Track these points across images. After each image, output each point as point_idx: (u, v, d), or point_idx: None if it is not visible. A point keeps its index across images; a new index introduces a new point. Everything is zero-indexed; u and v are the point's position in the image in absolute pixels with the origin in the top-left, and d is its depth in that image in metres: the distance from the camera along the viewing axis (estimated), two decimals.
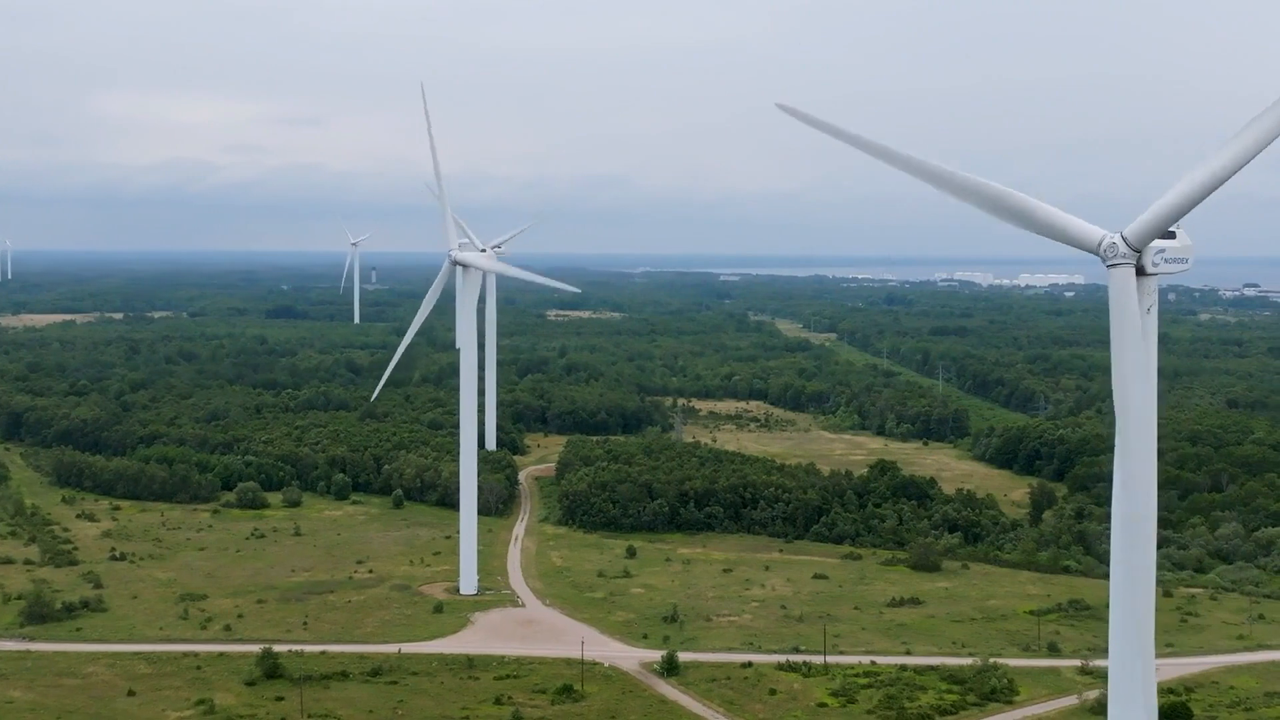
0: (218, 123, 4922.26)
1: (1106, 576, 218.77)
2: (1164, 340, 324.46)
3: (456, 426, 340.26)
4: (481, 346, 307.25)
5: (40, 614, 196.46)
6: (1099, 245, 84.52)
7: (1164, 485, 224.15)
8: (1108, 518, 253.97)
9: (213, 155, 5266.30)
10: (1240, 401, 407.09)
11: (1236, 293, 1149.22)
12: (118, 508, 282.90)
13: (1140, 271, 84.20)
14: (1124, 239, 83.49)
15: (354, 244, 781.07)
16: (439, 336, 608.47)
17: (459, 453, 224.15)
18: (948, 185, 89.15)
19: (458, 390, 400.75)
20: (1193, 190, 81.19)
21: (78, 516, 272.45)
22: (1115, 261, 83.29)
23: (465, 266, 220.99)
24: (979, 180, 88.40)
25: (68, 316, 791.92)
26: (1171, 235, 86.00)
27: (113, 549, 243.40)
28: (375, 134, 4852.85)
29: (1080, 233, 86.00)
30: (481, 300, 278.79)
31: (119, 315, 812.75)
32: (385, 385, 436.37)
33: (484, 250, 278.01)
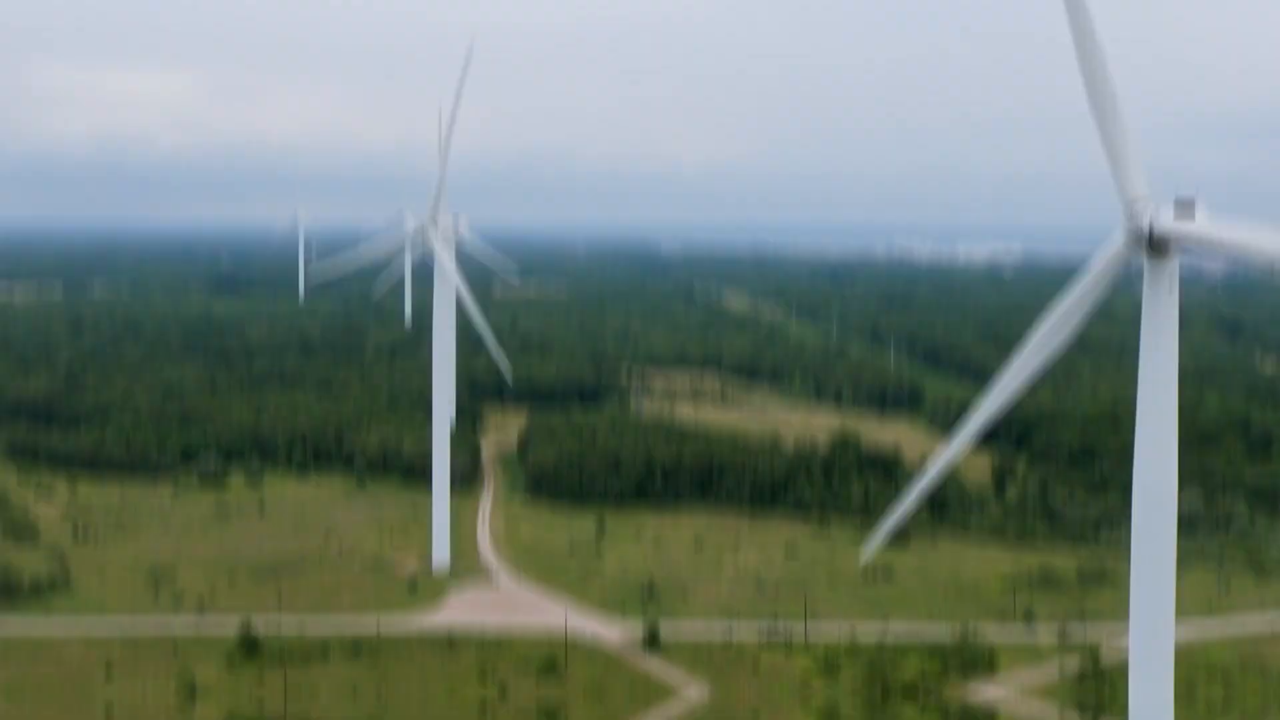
0: (157, 94, 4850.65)
1: (1073, 548, 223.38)
2: (1113, 320, 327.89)
3: (417, 401, 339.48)
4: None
5: (7, 593, 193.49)
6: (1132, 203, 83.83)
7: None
8: (1072, 490, 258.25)
9: (152, 127, 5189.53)
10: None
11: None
12: (75, 484, 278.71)
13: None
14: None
15: (298, 217, 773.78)
16: (389, 311, 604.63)
17: (430, 425, 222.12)
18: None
19: (417, 364, 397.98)
20: None
21: (34, 493, 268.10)
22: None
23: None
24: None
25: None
26: (1192, 217, 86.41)
27: (74, 526, 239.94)
28: (317, 106, 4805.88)
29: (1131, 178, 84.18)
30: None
31: (56, 287, 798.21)
32: (339, 366, 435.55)
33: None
